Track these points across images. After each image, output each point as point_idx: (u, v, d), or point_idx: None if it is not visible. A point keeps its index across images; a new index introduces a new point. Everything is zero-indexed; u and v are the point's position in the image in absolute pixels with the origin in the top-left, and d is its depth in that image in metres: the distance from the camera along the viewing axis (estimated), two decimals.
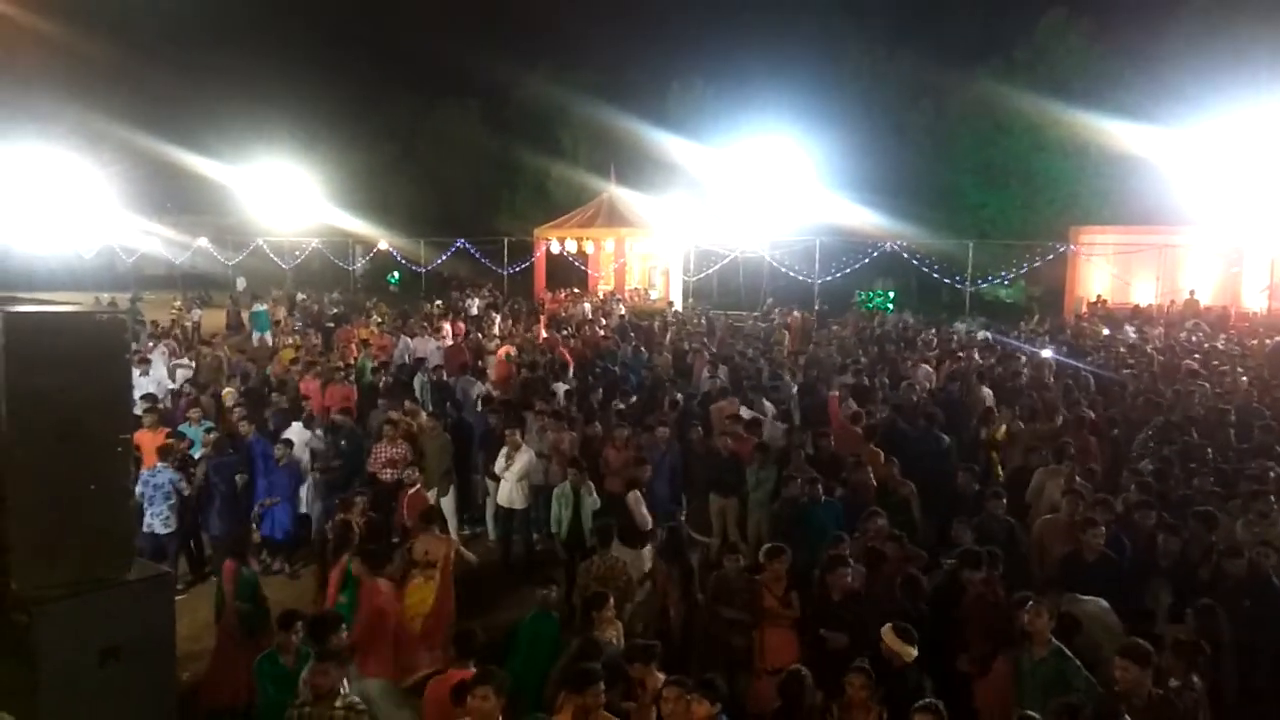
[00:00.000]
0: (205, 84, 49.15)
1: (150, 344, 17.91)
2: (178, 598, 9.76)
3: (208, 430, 11.16)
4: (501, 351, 17.67)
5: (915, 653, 6.04)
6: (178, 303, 28.64)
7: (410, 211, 46.62)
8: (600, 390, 14.07)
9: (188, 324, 24.52)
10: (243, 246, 42.25)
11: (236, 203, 45.60)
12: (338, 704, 5.46)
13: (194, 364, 16.65)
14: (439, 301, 27.76)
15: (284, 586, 10.19)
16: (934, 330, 21.64)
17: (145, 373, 14.66)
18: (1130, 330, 21.12)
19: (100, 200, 42.49)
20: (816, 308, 27.19)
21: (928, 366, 16.09)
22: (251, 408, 12.93)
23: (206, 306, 29.89)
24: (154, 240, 43.18)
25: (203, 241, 42.88)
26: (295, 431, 11.36)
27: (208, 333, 23.18)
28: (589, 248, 33.84)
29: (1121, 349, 18.02)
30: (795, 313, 25.56)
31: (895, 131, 37.71)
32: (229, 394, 13.84)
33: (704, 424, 12.17)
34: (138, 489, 9.56)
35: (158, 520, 9.74)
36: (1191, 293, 25.26)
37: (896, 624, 6.14)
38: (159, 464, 9.88)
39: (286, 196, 43.31)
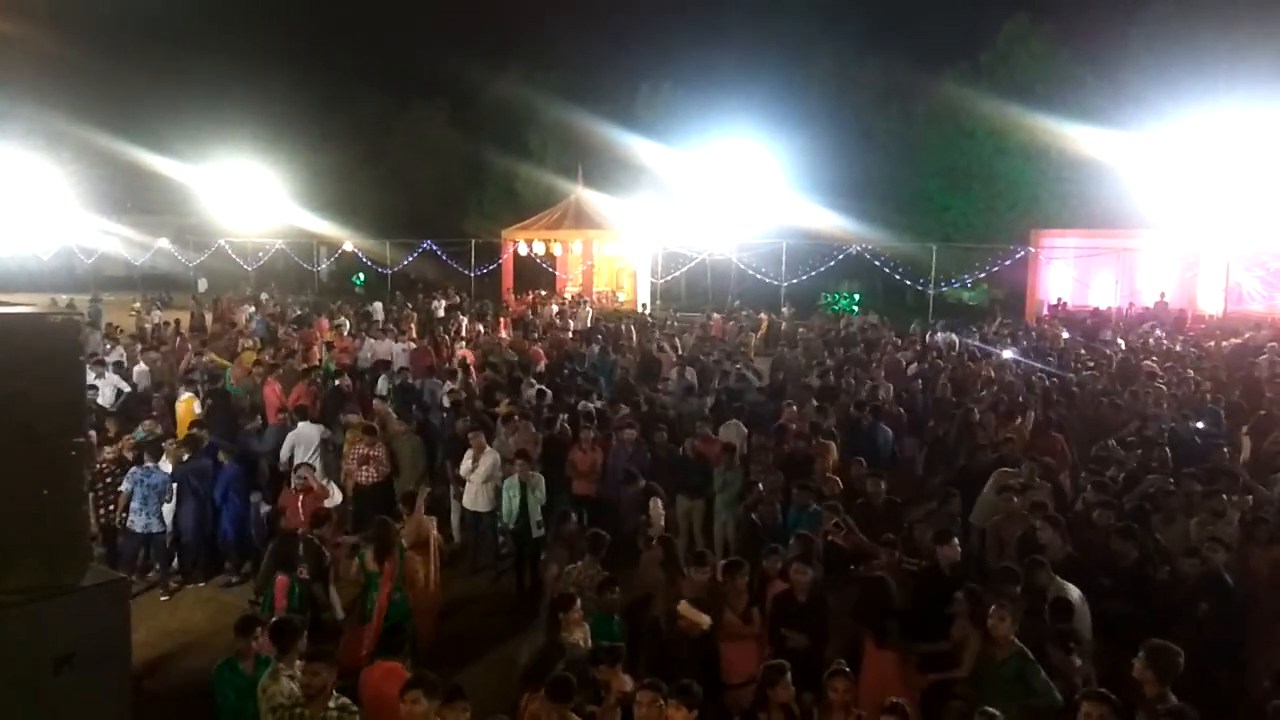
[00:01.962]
0: (167, 82, 48.62)
1: (107, 346, 17.62)
2: (163, 598, 9.81)
3: (160, 437, 11.00)
4: (458, 355, 17.48)
5: (710, 620, 6.51)
6: (137, 304, 28.20)
7: (376, 212, 46.30)
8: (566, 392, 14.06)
9: (147, 325, 24.14)
10: (204, 247, 41.70)
11: (198, 203, 45.03)
12: (331, 704, 5.43)
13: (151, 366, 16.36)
14: (376, 303, 27.68)
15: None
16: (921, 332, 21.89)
17: (101, 375, 14.44)
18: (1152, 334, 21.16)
19: (58, 200, 41.81)
20: (785, 308, 27.31)
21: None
22: (215, 414, 12.81)
23: (167, 308, 29.41)
24: (113, 241, 42.55)
25: (163, 242, 42.30)
26: (305, 429, 11.30)
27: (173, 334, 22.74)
28: (557, 249, 33.81)
29: (1081, 351, 18.31)
30: (762, 315, 25.71)
31: (862, 135, 38.05)
32: (191, 402, 13.61)
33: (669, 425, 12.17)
34: (126, 486, 9.70)
35: (155, 520, 9.78)
36: (1162, 295, 25.72)
37: (694, 600, 6.69)
38: (149, 464, 9.81)
39: (249, 196, 42.82)
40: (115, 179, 46.68)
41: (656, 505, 9.51)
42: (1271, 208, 26.06)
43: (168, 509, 9.94)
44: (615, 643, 6.23)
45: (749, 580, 7.11)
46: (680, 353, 18.42)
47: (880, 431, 11.91)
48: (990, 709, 5.27)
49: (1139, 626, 6.64)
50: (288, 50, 52.80)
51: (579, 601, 6.72)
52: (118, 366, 15.34)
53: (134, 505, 9.67)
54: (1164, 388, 14.06)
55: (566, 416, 12.07)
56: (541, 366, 16.78)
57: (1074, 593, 6.90)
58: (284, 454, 11.26)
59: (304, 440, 11.30)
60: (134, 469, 9.79)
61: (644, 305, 30.25)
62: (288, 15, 55.57)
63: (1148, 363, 16.56)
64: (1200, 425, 11.90)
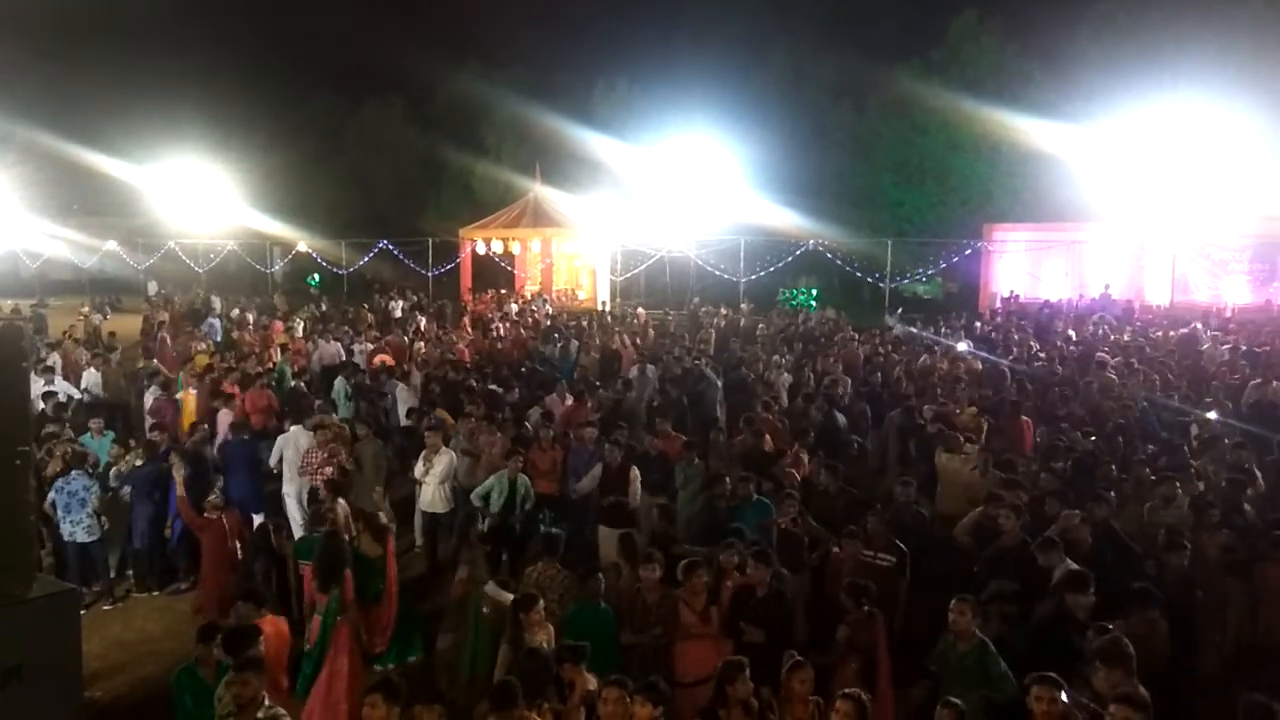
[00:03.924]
0: (113, 81, 47.69)
1: (43, 353, 17.21)
2: (106, 607, 9.57)
3: (114, 440, 10.83)
4: (378, 359, 17.08)
5: (511, 598, 6.87)
6: (85, 308, 27.63)
7: (331, 212, 45.72)
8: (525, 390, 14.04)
9: (91, 330, 23.58)
10: (154, 249, 40.88)
11: (147, 204, 44.16)
12: (260, 715, 5.36)
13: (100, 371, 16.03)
14: (324, 306, 27.43)
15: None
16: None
17: (50, 381, 14.15)
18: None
19: (2, 203, 40.73)
20: (744, 305, 27.40)
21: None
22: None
23: (117, 311, 28.82)
24: (60, 244, 41.56)
25: (111, 245, 41.37)
26: (296, 433, 11.15)
27: (125, 339, 22.23)
28: (515, 248, 33.62)
29: (1033, 343, 18.60)
30: (723, 310, 25.77)
31: (817, 132, 38.30)
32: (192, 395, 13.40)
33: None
34: (51, 497, 9.46)
35: (80, 529, 9.54)
36: (1106, 287, 26.22)
37: (498, 578, 7.14)
38: (73, 472, 9.61)
39: (200, 197, 42.08)
40: (61, 181, 45.60)
41: (635, 474, 9.70)
42: (1214, 199, 26.71)
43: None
44: (580, 643, 6.21)
45: (707, 578, 7.08)
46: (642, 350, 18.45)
47: (834, 419, 12.11)
48: (953, 698, 5.36)
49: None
50: (238, 48, 52.10)
51: (541, 602, 6.70)
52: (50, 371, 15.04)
53: (59, 514, 9.46)
54: (1114, 377, 14.36)
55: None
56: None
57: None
58: (273, 459, 11.07)
59: (294, 444, 11.01)
60: (59, 479, 9.60)
61: (603, 303, 30.23)
62: (237, 12, 54.72)
63: (1099, 354, 16.86)
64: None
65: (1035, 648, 6.40)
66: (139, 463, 10.14)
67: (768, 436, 11.18)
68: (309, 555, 8.04)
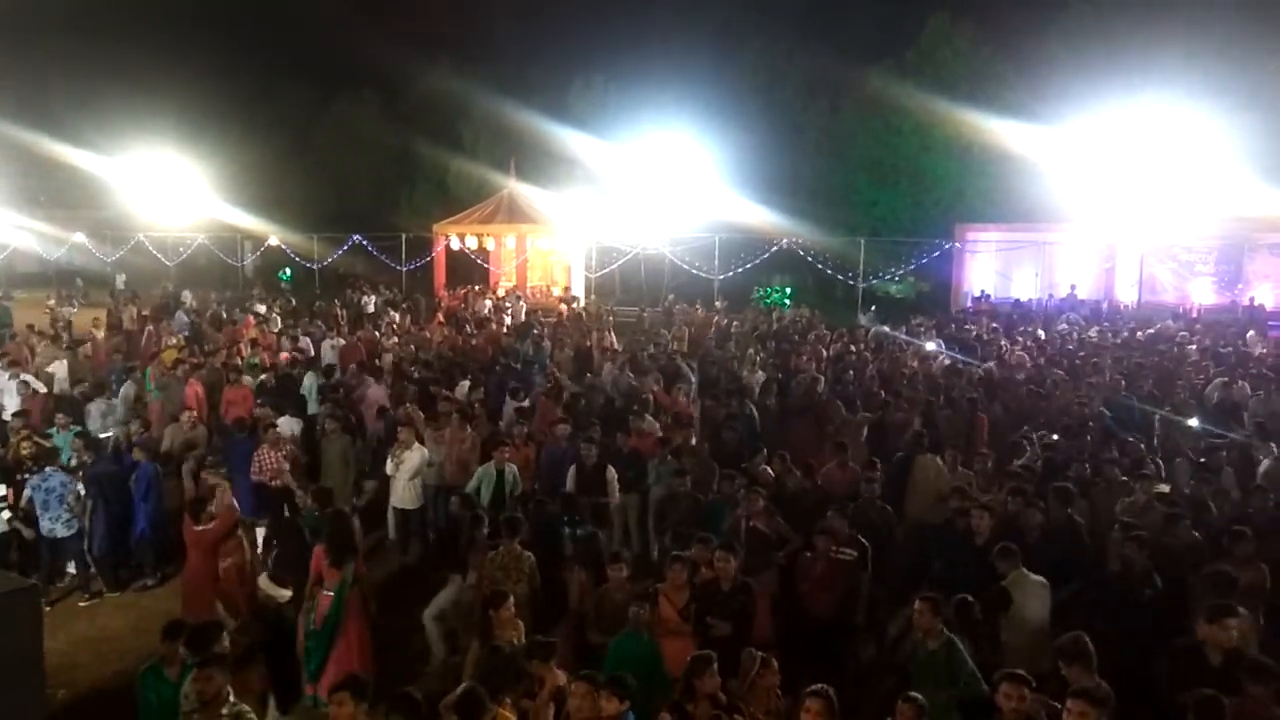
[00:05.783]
0: (81, 72, 46.87)
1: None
2: (82, 604, 9.53)
3: (76, 435, 10.71)
4: (284, 357, 16.97)
5: (288, 593, 7.48)
6: (52, 301, 27.22)
7: (303, 206, 45.22)
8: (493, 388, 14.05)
9: (59, 323, 23.28)
10: (122, 242, 40.34)
11: (115, 196, 43.51)
12: (224, 711, 5.32)
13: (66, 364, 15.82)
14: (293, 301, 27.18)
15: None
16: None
17: (16, 375, 13.96)
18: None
19: None
20: (719, 302, 27.36)
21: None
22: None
23: (84, 305, 28.39)
24: (26, 235, 40.93)
25: (79, 237, 40.79)
26: (285, 422, 11.33)
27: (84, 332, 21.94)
28: (489, 244, 33.49)
29: (1003, 341, 18.79)
30: (698, 307, 25.79)
31: (792, 130, 38.42)
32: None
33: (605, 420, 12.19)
34: (27, 493, 9.50)
35: (59, 524, 9.52)
36: (1073, 287, 26.51)
37: (275, 576, 7.71)
38: (49, 469, 9.56)
39: (170, 190, 41.52)
40: (28, 172, 44.94)
41: (612, 474, 9.79)
42: (1181, 201, 27.08)
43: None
44: (549, 639, 6.22)
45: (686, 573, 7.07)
46: (616, 348, 18.45)
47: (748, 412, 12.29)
48: (914, 694, 5.41)
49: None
50: (210, 39, 51.36)
51: (511, 599, 6.69)
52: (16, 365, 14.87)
53: (37, 510, 9.42)
54: (1083, 377, 14.53)
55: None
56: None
57: (1035, 590, 7.02)
58: None
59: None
60: (34, 475, 9.55)
61: (575, 298, 30.15)
62: (211, 3, 54.00)
63: (1066, 353, 17.07)
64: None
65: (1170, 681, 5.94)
66: (89, 459, 10.02)
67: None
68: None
